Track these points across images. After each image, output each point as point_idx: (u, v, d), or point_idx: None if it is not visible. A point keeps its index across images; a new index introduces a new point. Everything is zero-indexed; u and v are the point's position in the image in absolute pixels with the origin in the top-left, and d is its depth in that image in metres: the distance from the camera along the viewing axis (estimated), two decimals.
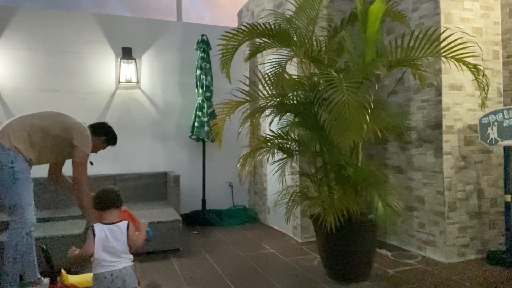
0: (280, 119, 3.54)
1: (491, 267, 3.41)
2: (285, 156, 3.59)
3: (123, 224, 2.25)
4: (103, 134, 3.15)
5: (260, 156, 3.40)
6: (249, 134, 3.88)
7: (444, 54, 2.90)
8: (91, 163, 3.20)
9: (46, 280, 2.86)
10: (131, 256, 2.28)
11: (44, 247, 2.73)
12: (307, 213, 3.45)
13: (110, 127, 3.22)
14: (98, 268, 2.15)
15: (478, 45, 3.65)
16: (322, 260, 3.34)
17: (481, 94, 3.09)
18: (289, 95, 3.37)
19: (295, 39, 3.20)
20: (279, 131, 3.53)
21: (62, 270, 2.73)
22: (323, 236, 3.22)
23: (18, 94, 4.96)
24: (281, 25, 3.33)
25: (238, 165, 3.46)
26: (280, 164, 3.61)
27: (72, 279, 2.74)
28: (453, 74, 3.60)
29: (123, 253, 2.21)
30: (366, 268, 3.21)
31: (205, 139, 5.42)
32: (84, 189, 2.84)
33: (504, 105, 3.84)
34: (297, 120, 3.48)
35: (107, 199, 2.29)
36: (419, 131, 3.83)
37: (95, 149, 3.11)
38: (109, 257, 2.15)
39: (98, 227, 2.19)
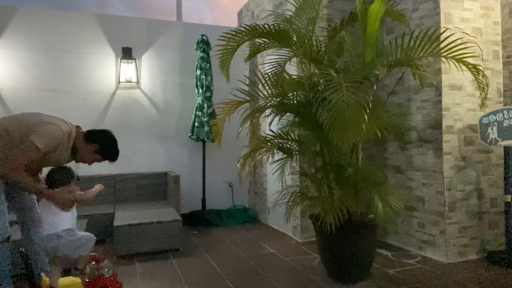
0: (280, 119, 3.54)
1: (491, 267, 3.41)
2: (285, 156, 3.59)
3: None
4: (96, 142, 2.65)
5: (260, 156, 3.40)
6: (249, 134, 3.88)
7: (444, 54, 2.89)
8: (78, 178, 2.94)
9: None
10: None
11: (23, 250, 2.67)
12: (307, 213, 3.45)
13: (109, 137, 2.72)
14: None
15: (478, 45, 3.65)
16: (322, 260, 3.34)
17: (480, 94, 3.09)
18: (289, 95, 3.36)
19: (295, 39, 3.19)
20: (279, 131, 3.53)
21: (42, 274, 2.70)
22: (323, 236, 3.22)
23: (18, 94, 4.96)
24: (281, 26, 3.33)
25: (238, 165, 3.46)
26: (280, 164, 3.61)
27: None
28: (453, 74, 3.60)
29: None
30: (366, 268, 3.21)
31: (205, 139, 5.42)
32: (16, 178, 2.38)
33: (504, 105, 3.83)
34: (297, 120, 3.48)
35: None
36: (419, 131, 3.83)
37: (82, 158, 2.68)
38: None
39: None
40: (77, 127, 2.70)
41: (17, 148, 2.38)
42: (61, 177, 2.65)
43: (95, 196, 2.80)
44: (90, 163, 2.74)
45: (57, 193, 2.56)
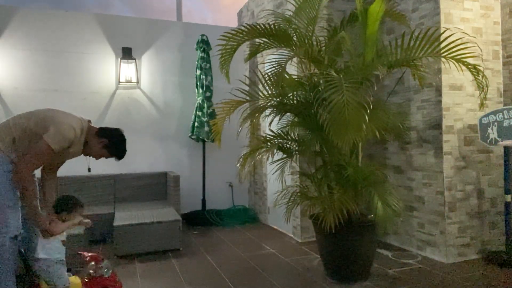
0: (280, 119, 3.54)
1: (491, 267, 3.41)
2: (285, 156, 3.59)
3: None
4: (106, 137, 2.75)
5: (260, 156, 3.40)
6: (249, 134, 3.88)
7: (444, 54, 2.90)
8: (89, 170, 3.00)
9: None
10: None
11: (23, 251, 2.66)
12: (307, 213, 3.45)
13: (119, 135, 2.81)
14: None
15: (478, 46, 3.65)
16: (322, 260, 3.34)
17: (480, 94, 3.09)
18: (289, 95, 3.37)
19: (295, 39, 3.20)
20: (279, 131, 3.53)
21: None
22: (323, 236, 3.22)
23: (18, 94, 4.96)
24: (281, 25, 3.33)
25: (238, 165, 3.46)
26: (280, 164, 3.61)
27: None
28: (453, 74, 3.60)
29: None
30: (366, 268, 3.21)
31: (205, 139, 5.42)
32: (24, 182, 2.37)
33: (504, 105, 3.84)
34: (297, 120, 3.49)
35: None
36: (419, 131, 3.83)
37: (91, 151, 2.74)
38: None
39: None
40: (88, 121, 2.81)
41: (34, 145, 2.43)
42: (66, 204, 2.65)
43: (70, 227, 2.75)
44: (97, 158, 2.79)
45: (52, 224, 2.53)
